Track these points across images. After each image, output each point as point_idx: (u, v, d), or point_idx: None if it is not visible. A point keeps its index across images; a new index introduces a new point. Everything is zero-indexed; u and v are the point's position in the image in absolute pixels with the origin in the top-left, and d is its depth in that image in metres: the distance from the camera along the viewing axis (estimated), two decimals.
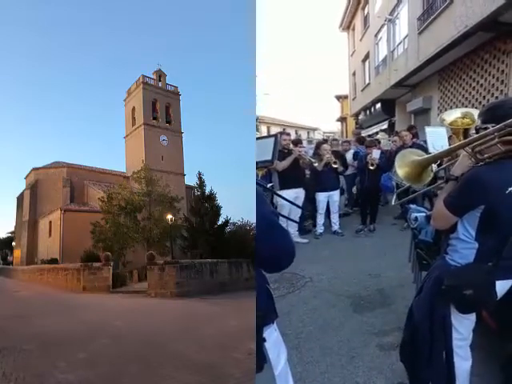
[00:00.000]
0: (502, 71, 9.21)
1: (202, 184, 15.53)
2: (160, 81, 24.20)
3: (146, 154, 21.19)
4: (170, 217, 14.82)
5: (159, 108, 23.45)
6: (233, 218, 15.22)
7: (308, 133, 41.61)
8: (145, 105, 22.61)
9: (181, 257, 13.89)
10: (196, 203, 15.65)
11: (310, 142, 13.49)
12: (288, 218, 5.14)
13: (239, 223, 15.20)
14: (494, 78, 9.57)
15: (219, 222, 14.86)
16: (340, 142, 10.74)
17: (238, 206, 30.54)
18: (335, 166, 7.16)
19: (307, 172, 7.59)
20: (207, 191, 15.43)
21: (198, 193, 15.89)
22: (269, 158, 1.85)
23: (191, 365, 3.52)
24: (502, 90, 9.24)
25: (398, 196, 4.62)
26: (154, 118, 23.06)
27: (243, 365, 3.31)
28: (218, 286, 10.23)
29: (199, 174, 15.71)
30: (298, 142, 8.45)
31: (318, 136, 34.79)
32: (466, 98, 10.87)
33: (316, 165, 7.11)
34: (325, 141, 9.51)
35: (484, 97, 9.97)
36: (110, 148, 49.50)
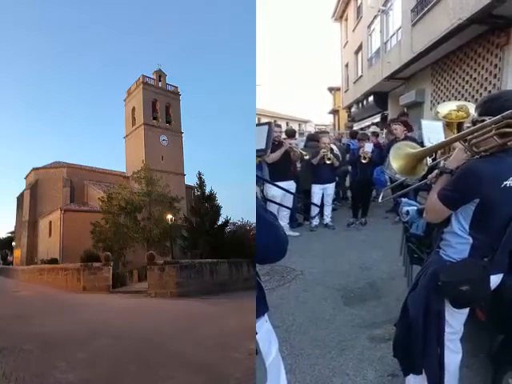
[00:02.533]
0: (495, 65, 9.16)
1: (202, 184, 15.53)
2: (160, 81, 24.23)
3: (146, 154, 21.22)
4: (170, 217, 14.83)
5: (159, 108, 23.47)
6: (233, 218, 15.22)
7: (299, 125, 41.00)
8: (145, 105, 22.64)
9: (181, 257, 13.89)
10: (196, 203, 15.64)
11: (301, 134, 13.44)
12: (281, 205, 5.10)
13: (239, 223, 15.18)
14: (487, 71, 9.52)
15: (219, 222, 14.85)
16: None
17: (238, 206, 30.61)
18: (328, 162, 7.14)
19: (298, 165, 7.54)
20: (207, 191, 15.43)
21: (198, 193, 15.89)
22: (262, 147, 1.80)
23: (191, 365, 3.52)
24: (494, 84, 9.19)
25: (391, 190, 4.61)
26: (154, 118, 23.08)
27: (243, 365, 3.30)
28: (218, 285, 10.21)
29: (199, 174, 15.72)
30: (292, 133, 8.28)
31: (309, 128, 34.29)
32: (459, 91, 10.80)
33: (307, 158, 7.07)
34: (316, 133, 9.39)
35: (477, 91, 9.91)
36: (110, 148, 49.58)
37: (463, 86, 10.62)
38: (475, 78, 10.03)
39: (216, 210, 14.98)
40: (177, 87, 24.92)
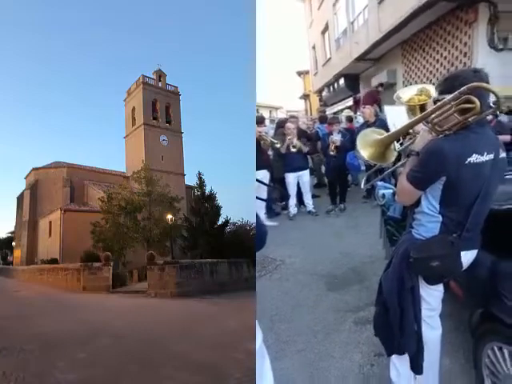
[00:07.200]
0: (465, 43, 8.99)
1: (202, 184, 15.53)
2: (160, 81, 24.23)
3: (146, 153, 21.21)
4: (169, 217, 14.82)
5: (159, 108, 23.47)
6: (233, 218, 15.25)
7: (270, 112, 39.60)
8: (145, 105, 22.63)
9: (181, 257, 13.89)
10: (196, 203, 15.65)
11: (272, 121, 13.14)
12: (258, 198, 5.08)
13: (239, 223, 15.20)
14: (457, 50, 9.35)
15: (219, 222, 14.86)
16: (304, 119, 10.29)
17: (237, 206, 30.61)
18: (294, 150, 6.91)
19: (270, 153, 7.36)
20: (207, 191, 15.45)
21: (198, 193, 15.89)
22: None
23: (191, 365, 3.52)
24: (465, 63, 9.02)
25: (367, 178, 4.60)
26: (154, 118, 23.07)
27: (243, 365, 3.30)
28: (218, 286, 10.21)
29: (199, 174, 15.74)
30: (260, 120, 8.03)
31: (281, 115, 33.34)
32: (431, 71, 10.56)
33: (278, 146, 6.87)
34: (286, 119, 9.10)
35: (448, 70, 9.68)
36: (110, 148, 49.59)
37: (434, 66, 10.37)
38: (446, 57, 9.83)
39: (216, 210, 14.99)
40: (177, 87, 24.94)
